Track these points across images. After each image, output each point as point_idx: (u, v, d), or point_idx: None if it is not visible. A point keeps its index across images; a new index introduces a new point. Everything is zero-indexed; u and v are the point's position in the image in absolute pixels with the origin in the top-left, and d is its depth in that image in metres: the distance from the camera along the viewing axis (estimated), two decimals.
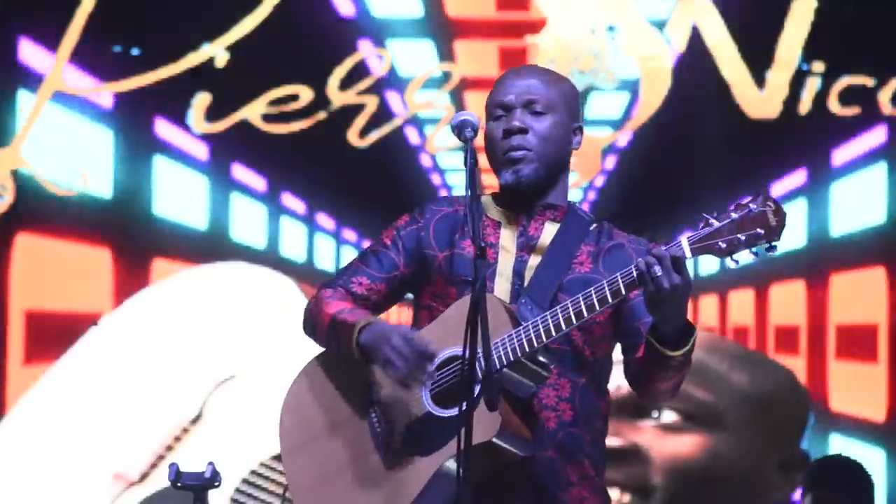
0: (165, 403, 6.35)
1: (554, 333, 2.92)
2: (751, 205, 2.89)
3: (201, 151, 6.85)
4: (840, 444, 6.71)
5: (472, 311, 2.69)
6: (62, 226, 6.69)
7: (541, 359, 2.95)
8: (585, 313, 2.90)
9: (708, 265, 6.92)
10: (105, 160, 6.72)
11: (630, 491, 6.56)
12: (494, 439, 2.86)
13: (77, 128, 6.71)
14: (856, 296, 6.73)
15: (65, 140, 6.70)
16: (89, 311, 6.63)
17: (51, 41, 6.61)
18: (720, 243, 2.89)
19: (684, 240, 2.90)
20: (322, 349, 3.17)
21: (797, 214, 6.80)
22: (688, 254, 2.88)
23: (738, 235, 2.88)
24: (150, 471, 6.29)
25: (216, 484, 3.54)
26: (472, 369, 2.69)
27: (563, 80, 3.18)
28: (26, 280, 6.64)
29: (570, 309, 2.91)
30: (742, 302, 6.98)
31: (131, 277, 6.72)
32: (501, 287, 3.07)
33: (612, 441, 6.53)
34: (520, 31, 6.82)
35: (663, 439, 6.57)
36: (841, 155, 6.79)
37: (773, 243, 2.89)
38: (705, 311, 7.01)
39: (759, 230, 2.88)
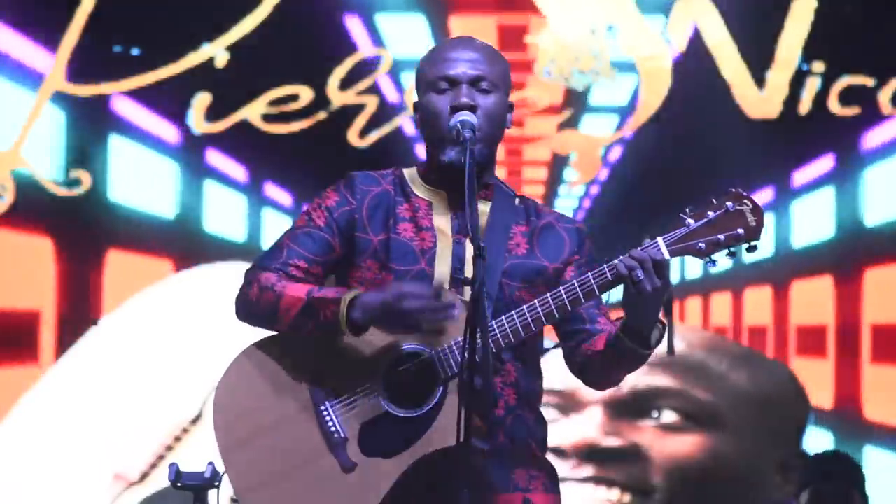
0: (165, 403, 6.35)
1: (523, 334, 2.89)
2: (727, 203, 2.86)
3: (170, 134, 6.77)
4: (877, 457, 6.59)
5: (472, 310, 2.66)
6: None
7: (502, 355, 2.94)
8: (556, 314, 2.89)
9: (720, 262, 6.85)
10: (56, 139, 6.61)
11: (630, 491, 6.56)
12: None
13: (19, 100, 6.58)
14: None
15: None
16: (27, 308, 6.52)
17: (51, 41, 6.60)
18: (699, 244, 2.85)
19: (661, 241, 2.87)
20: (256, 339, 3.03)
21: (825, 204, 6.75)
22: (666, 255, 2.84)
23: (718, 236, 2.85)
24: (150, 471, 6.29)
25: (216, 484, 3.53)
26: (472, 370, 2.67)
27: (502, 56, 3.11)
28: None
29: (540, 310, 2.88)
30: (759, 300, 6.87)
31: (79, 271, 6.59)
32: (441, 270, 2.99)
33: (612, 441, 6.54)
34: (518, 4, 6.78)
35: (663, 439, 6.57)
36: (872, 139, 6.73)
37: (754, 243, 2.85)
38: (717, 309, 6.96)
39: (738, 230, 2.84)
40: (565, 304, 2.88)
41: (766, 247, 6.74)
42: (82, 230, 6.59)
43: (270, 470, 2.94)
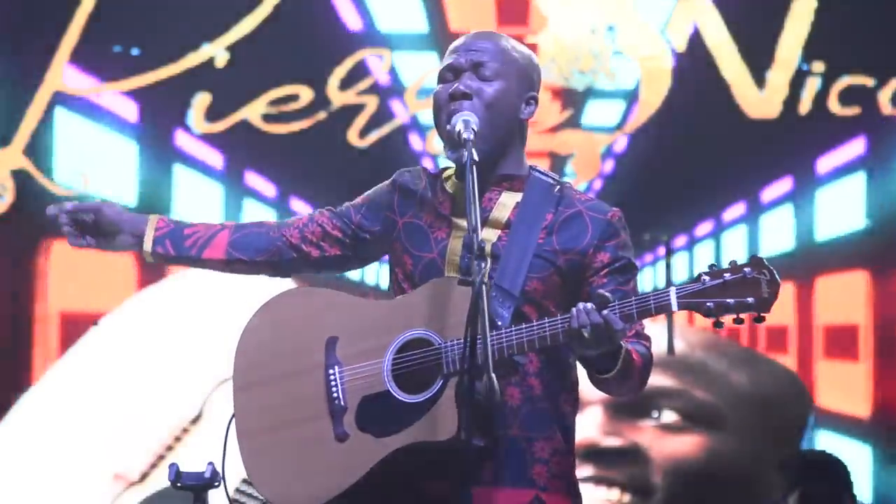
0: (165, 403, 6.35)
1: (532, 346, 2.88)
2: (745, 269, 2.85)
3: (217, 160, 6.82)
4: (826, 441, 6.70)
5: (472, 308, 2.67)
6: None
7: (517, 359, 2.92)
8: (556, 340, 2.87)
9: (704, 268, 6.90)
10: (129, 169, 6.70)
11: (630, 491, 6.56)
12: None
13: (99, 138, 6.68)
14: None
15: (86, 150, 6.68)
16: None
17: (51, 41, 6.61)
18: (708, 303, 2.85)
19: (673, 291, 2.85)
20: (285, 289, 3.13)
21: (785, 219, 6.80)
22: (674, 307, 2.84)
23: (727, 300, 2.85)
24: (150, 471, 6.30)
25: (216, 484, 3.53)
26: (472, 368, 2.66)
27: (519, 48, 3.11)
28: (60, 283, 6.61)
29: (548, 327, 2.86)
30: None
31: (154, 280, 6.67)
32: (451, 260, 3.01)
33: (612, 441, 6.54)
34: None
35: (663, 439, 6.57)
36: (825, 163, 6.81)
37: (762, 314, 2.84)
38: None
39: (749, 298, 2.84)
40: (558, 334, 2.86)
41: (787, 241, 6.79)
42: None
43: (268, 419, 2.99)
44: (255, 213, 6.90)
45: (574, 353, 2.95)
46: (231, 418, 3.06)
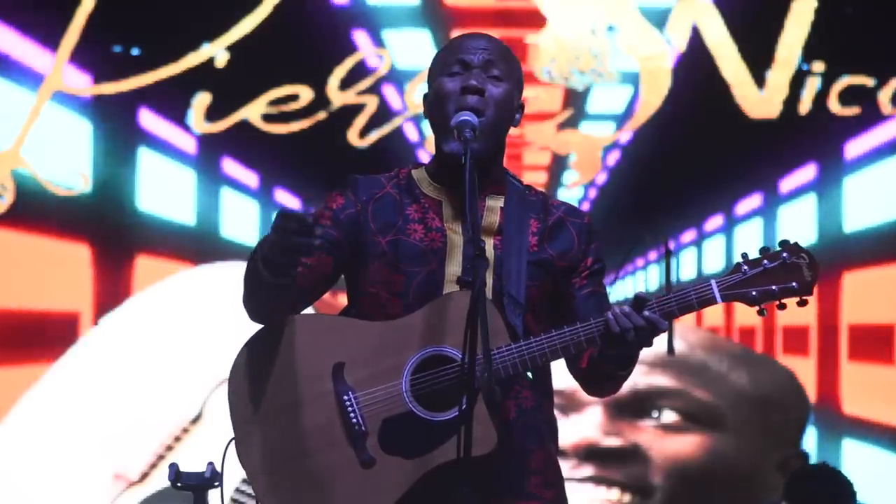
0: (165, 403, 6.35)
1: (553, 357, 2.89)
2: (784, 254, 2.87)
3: (189, 145, 6.78)
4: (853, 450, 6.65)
5: (471, 312, 2.63)
6: (39, 221, 6.57)
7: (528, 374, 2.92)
8: (585, 345, 2.88)
9: (713, 264, 6.92)
10: (84, 152, 6.65)
11: (630, 491, 6.56)
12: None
13: (55, 118, 6.62)
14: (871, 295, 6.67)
15: (43, 131, 6.62)
16: (67, 310, 6.56)
17: (51, 41, 6.60)
18: (752, 292, 2.87)
19: (714, 284, 2.87)
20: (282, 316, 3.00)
21: (807, 210, 6.75)
22: (719, 299, 2.86)
23: (772, 286, 2.87)
24: (150, 471, 6.30)
25: (216, 484, 3.53)
26: (472, 374, 2.64)
27: (515, 56, 3.08)
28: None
29: (582, 333, 2.87)
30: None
31: (113, 275, 6.63)
32: (451, 270, 2.96)
33: (611, 441, 6.54)
34: (519, 20, 6.80)
35: (663, 439, 6.57)
36: (852, 149, 6.76)
37: (806, 298, 2.87)
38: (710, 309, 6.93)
39: (793, 283, 2.86)
40: (568, 345, 2.87)
41: (809, 233, 6.75)
42: (116, 237, 6.64)
43: (284, 452, 2.91)
44: (234, 204, 6.86)
45: (603, 354, 2.91)
46: (228, 444, 2.99)
